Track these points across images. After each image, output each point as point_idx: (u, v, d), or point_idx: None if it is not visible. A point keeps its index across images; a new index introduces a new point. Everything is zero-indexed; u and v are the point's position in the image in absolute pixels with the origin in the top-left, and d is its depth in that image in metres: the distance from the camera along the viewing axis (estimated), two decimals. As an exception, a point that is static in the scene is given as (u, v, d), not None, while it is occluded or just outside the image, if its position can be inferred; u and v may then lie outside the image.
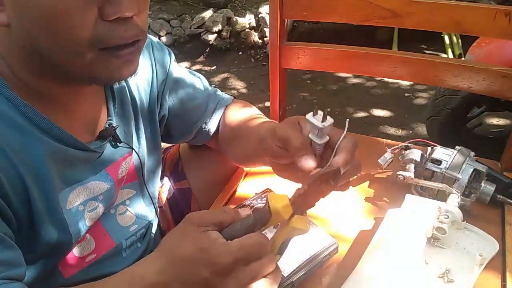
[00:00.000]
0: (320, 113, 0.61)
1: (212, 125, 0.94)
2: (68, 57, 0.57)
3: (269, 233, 0.59)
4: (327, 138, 0.63)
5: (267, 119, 0.91)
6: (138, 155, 0.80)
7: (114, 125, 0.73)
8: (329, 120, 0.61)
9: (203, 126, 0.93)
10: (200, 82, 0.94)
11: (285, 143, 0.66)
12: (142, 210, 0.84)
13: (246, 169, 1.06)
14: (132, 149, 0.78)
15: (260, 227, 0.56)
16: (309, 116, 0.62)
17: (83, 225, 0.70)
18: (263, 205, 0.57)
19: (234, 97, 1.00)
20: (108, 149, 0.73)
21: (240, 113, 0.94)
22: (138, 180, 0.83)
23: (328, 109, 0.59)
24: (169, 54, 0.89)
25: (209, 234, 0.54)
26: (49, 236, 0.64)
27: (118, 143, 0.75)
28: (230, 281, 0.52)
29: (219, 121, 0.95)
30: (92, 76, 0.60)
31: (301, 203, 0.58)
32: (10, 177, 0.58)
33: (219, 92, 0.97)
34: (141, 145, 0.82)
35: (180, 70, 0.91)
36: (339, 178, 0.60)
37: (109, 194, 0.74)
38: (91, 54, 0.57)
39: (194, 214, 0.57)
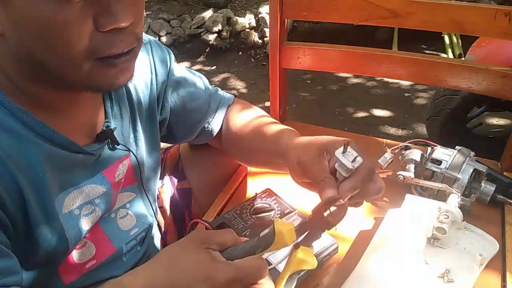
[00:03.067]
0: (350, 151, 0.61)
1: (215, 125, 0.94)
2: (64, 68, 0.57)
3: (280, 265, 0.58)
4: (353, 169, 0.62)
5: (274, 121, 0.91)
6: (136, 158, 0.80)
7: (112, 127, 0.73)
8: (358, 160, 0.61)
9: (206, 126, 0.93)
10: (200, 82, 0.94)
11: (307, 173, 0.67)
12: (142, 212, 0.84)
13: (246, 169, 1.06)
14: (130, 151, 0.78)
15: (262, 249, 0.56)
16: (339, 153, 0.61)
17: (80, 229, 0.69)
18: (268, 229, 0.57)
19: (235, 96, 1.00)
20: (105, 152, 0.73)
21: (245, 114, 0.94)
22: (137, 183, 0.82)
23: (355, 154, 0.61)
24: (169, 54, 0.89)
25: (211, 251, 0.54)
26: (46, 241, 0.64)
27: (115, 145, 0.74)
28: None
29: (222, 120, 0.95)
30: (89, 85, 0.60)
31: (304, 232, 0.58)
32: (5, 182, 0.57)
33: (220, 91, 0.97)
34: (139, 147, 0.81)
35: (180, 70, 0.91)
36: (342, 207, 0.60)
37: (105, 197, 0.73)
38: (87, 65, 0.56)
39: (199, 231, 0.57)
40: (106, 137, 0.72)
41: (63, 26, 0.52)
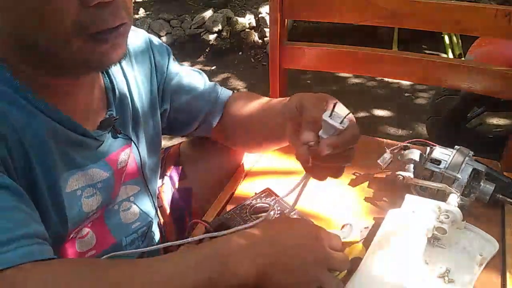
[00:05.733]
0: (336, 114, 0.61)
1: (214, 116, 0.94)
2: (55, 46, 0.57)
3: None
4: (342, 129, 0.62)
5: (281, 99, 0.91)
6: (138, 148, 0.81)
7: (115, 116, 0.74)
8: (346, 122, 0.61)
9: (205, 118, 0.94)
10: (199, 76, 0.96)
11: (303, 116, 0.67)
12: (146, 207, 0.85)
13: (246, 169, 1.06)
14: (131, 140, 0.79)
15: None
16: (326, 116, 0.61)
17: (80, 210, 0.70)
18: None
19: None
20: (108, 140, 0.74)
21: (249, 96, 0.96)
22: (140, 176, 0.83)
23: (343, 115, 0.61)
24: (167, 50, 0.91)
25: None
26: (47, 217, 0.64)
27: (118, 134, 0.75)
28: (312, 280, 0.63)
29: (222, 111, 0.96)
30: (81, 63, 0.60)
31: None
32: (18, 154, 0.59)
33: (218, 86, 0.98)
34: (140, 140, 0.82)
35: (179, 65, 0.93)
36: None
37: (108, 183, 0.74)
38: (77, 41, 0.57)
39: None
40: (109, 124, 0.73)
41: (49, 3, 0.53)
